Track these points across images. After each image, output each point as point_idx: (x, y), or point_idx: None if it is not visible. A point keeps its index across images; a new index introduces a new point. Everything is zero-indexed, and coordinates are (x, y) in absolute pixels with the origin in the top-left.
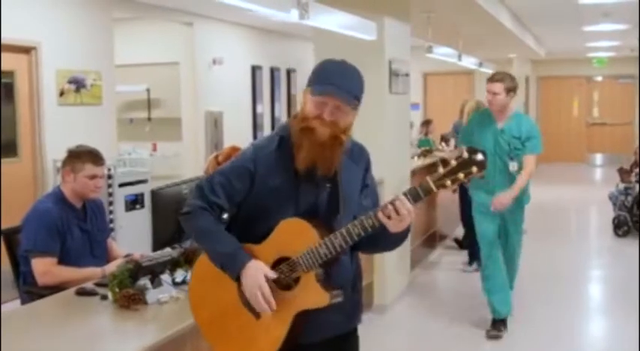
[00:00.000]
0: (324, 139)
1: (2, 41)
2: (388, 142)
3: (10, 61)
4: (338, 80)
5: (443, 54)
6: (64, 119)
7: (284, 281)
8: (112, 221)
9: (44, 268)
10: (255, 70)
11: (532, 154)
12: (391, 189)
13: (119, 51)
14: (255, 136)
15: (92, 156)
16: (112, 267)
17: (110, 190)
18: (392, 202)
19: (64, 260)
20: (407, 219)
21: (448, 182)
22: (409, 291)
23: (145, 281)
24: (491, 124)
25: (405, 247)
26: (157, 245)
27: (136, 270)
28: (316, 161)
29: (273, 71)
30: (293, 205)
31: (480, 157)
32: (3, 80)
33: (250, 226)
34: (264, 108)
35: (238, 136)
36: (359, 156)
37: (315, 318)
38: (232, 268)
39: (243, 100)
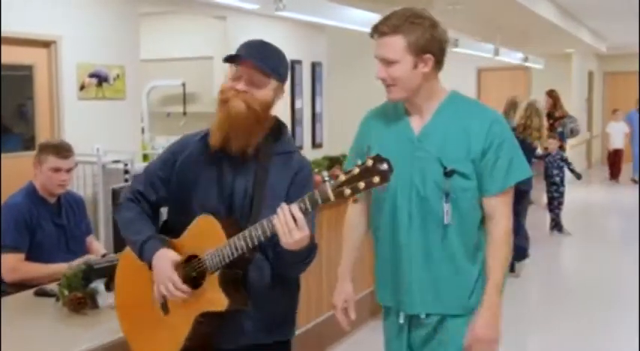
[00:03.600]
0: (239, 111)
1: (21, 35)
2: None
3: (28, 55)
4: (252, 51)
5: (475, 49)
6: (84, 113)
7: (192, 280)
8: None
9: (10, 264)
10: (294, 64)
11: (500, 195)
12: None
13: (155, 45)
14: (293, 131)
15: (56, 148)
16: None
17: (127, 184)
18: (283, 207)
19: (35, 255)
20: (295, 232)
21: (348, 191)
22: None
23: (97, 284)
24: (402, 127)
25: None
26: (119, 247)
27: (88, 272)
28: (229, 135)
29: (314, 66)
30: (214, 197)
31: (384, 166)
32: (22, 73)
33: (177, 217)
34: (303, 103)
35: None
36: (294, 165)
37: (228, 323)
38: (145, 256)
39: None
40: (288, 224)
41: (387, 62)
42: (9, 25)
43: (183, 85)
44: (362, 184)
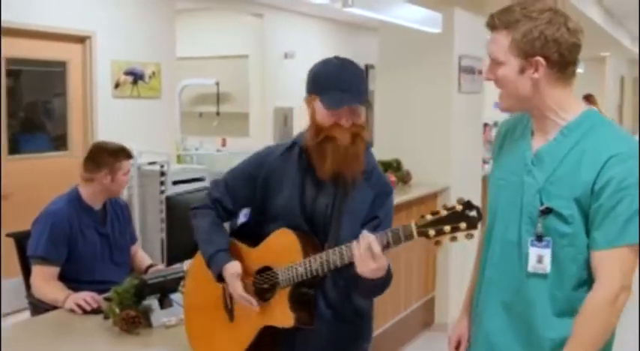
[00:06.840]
0: (347, 143)
1: (55, 30)
2: (456, 145)
3: (62, 51)
4: (347, 85)
5: None
6: (118, 112)
7: (262, 291)
8: (162, 221)
9: (33, 278)
10: None
11: (614, 248)
12: (459, 196)
13: (189, 43)
14: None
15: (125, 151)
16: (77, 296)
17: (163, 187)
18: (364, 236)
19: (76, 266)
20: (370, 263)
21: (432, 232)
22: None
23: (151, 301)
24: (522, 144)
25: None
26: (172, 259)
27: (141, 287)
28: (341, 169)
29: None
30: (297, 214)
31: (472, 213)
32: (55, 70)
33: (257, 227)
34: None
35: None
36: (375, 183)
37: (293, 339)
38: (214, 268)
39: None
40: (364, 254)
41: (495, 62)
42: (43, 20)
43: (217, 84)
44: (447, 228)
